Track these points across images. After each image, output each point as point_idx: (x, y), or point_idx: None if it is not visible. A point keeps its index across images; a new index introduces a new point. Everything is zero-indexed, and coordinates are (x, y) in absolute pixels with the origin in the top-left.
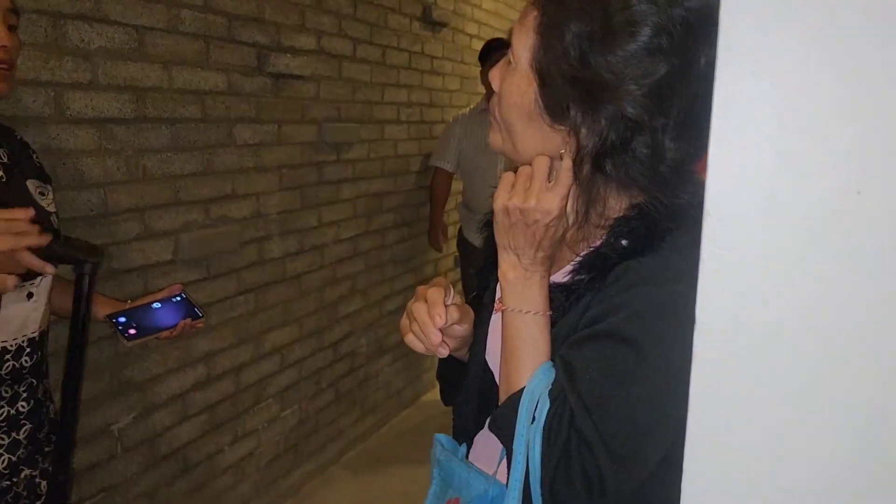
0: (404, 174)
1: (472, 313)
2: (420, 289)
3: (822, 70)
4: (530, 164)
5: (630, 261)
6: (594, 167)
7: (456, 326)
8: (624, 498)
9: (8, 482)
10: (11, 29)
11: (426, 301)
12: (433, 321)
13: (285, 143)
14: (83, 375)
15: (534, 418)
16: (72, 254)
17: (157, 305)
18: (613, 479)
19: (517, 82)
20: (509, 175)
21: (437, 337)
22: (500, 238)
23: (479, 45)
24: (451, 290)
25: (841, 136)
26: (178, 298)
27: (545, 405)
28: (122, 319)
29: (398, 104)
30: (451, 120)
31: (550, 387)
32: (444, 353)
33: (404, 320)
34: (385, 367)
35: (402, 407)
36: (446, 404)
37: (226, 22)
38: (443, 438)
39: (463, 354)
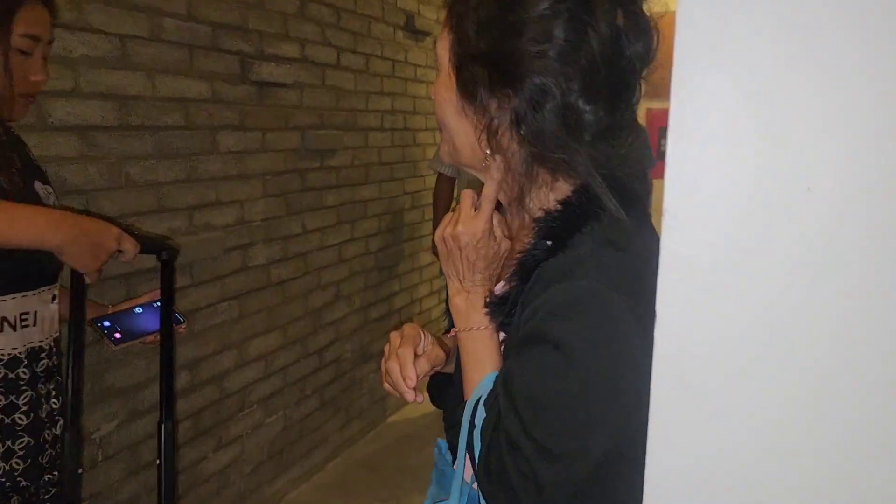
0: (388, 181)
1: (445, 348)
2: (392, 336)
3: (779, 68)
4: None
5: (550, 259)
6: (518, 145)
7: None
8: (569, 494)
9: (49, 475)
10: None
11: (398, 359)
12: (405, 381)
13: (269, 151)
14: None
15: (474, 425)
16: (153, 244)
17: (138, 310)
18: (549, 476)
19: (443, 82)
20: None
21: (410, 395)
22: (444, 267)
23: None
24: (423, 336)
25: (794, 134)
26: (159, 303)
27: (481, 413)
28: (107, 324)
29: (382, 112)
30: None
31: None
32: (420, 400)
33: (382, 368)
34: (370, 373)
35: (387, 413)
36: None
37: (209, 30)
38: (442, 444)
39: (449, 368)
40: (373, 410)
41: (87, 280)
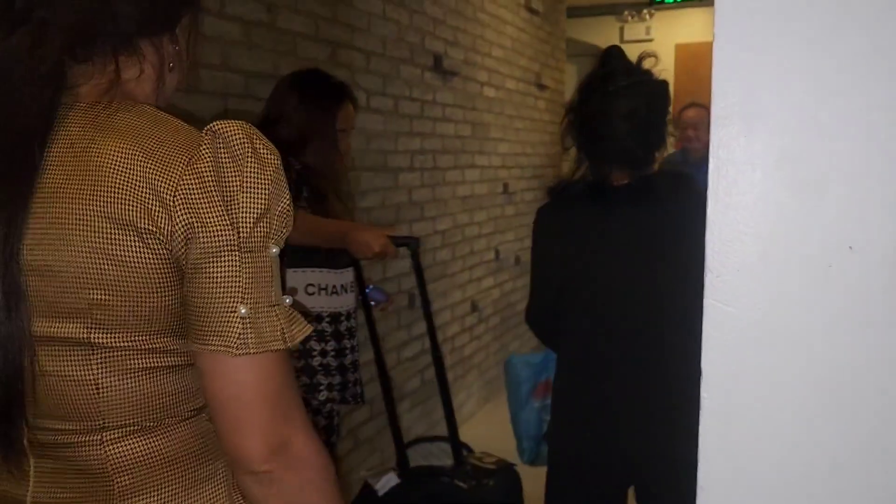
0: (419, 220)
1: None
2: None
3: (812, 131)
4: None
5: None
6: None
7: None
8: (541, 316)
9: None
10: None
11: None
12: None
13: None
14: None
15: None
16: (405, 239)
17: (370, 288)
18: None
19: None
20: None
21: None
22: None
23: (489, 92)
24: None
25: (832, 194)
26: (371, 287)
27: None
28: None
29: (412, 152)
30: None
31: None
32: None
33: None
34: (404, 412)
35: (378, 477)
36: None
37: (242, 80)
38: (514, 359)
39: None
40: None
41: (362, 263)
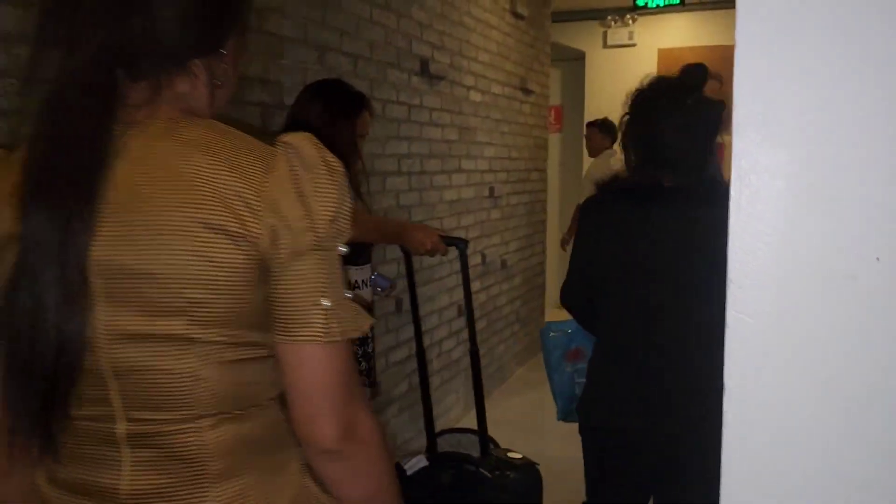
0: None
1: None
2: None
3: (836, 139)
4: None
5: None
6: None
7: None
8: (576, 297)
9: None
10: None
11: None
12: None
13: None
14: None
15: None
16: (453, 240)
17: (374, 275)
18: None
19: None
20: None
21: None
22: None
23: (476, 97)
24: None
25: (857, 204)
26: (375, 275)
27: None
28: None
29: (399, 156)
30: None
31: None
32: None
33: None
34: (392, 417)
35: (409, 458)
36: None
37: None
38: (552, 325)
39: None
40: (395, 455)
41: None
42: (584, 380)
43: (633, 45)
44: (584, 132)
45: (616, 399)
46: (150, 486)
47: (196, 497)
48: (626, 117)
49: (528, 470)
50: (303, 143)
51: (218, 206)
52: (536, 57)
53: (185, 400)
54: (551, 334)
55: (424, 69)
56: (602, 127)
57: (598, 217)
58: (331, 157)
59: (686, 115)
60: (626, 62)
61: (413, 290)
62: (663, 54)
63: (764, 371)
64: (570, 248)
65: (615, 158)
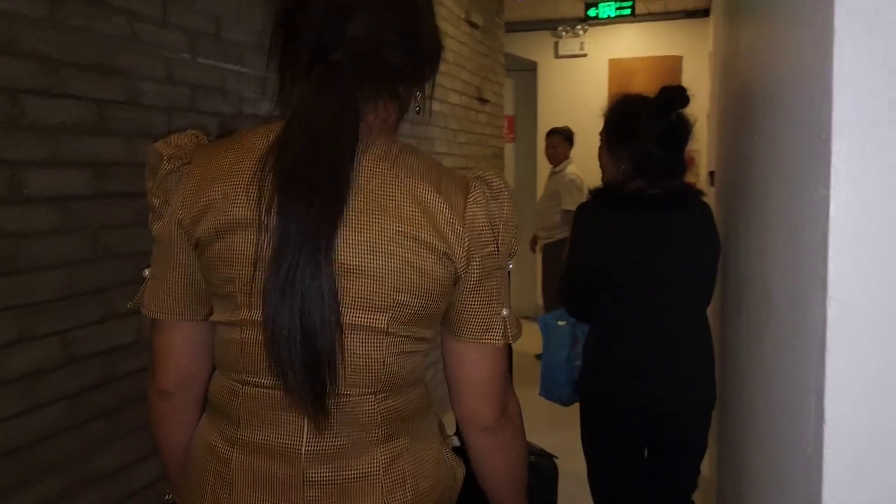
0: None
1: None
2: None
3: None
4: None
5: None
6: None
7: None
8: (574, 294)
9: None
10: None
11: None
12: None
13: None
14: None
15: None
16: None
17: None
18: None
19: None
20: None
21: None
22: None
23: (434, 106)
24: None
25: None
26: None
27: None
28: None
29: None
30: None
31: None
32: None
33: None
34: None
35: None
36: None
37: (188, 92)
38: (549, 318)
39: None
40: None
41: None
42: (580, 362)
43: (585, 55)
44: (547, 141)
45: (615, 375)
46: (328, 447)
47: (368, 454)
48: (614, 131)
49: (545, 459)
50: (493, 176)
51: (427, 226)
52: (491, 67)
53: (372, 380)
54: (559, 322)
55: None
56: (566, 136)
57: (590, 221)
58: (509, 190)
59: (671, 130)
60: (578, 72)
61: None
62: (613, 64)
63: (869, 395)
64: (539, 249)
65: (571, 167)
